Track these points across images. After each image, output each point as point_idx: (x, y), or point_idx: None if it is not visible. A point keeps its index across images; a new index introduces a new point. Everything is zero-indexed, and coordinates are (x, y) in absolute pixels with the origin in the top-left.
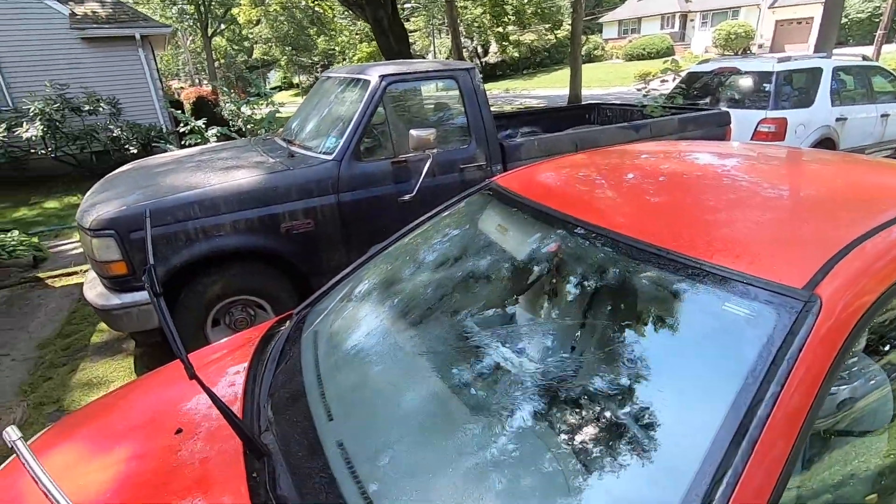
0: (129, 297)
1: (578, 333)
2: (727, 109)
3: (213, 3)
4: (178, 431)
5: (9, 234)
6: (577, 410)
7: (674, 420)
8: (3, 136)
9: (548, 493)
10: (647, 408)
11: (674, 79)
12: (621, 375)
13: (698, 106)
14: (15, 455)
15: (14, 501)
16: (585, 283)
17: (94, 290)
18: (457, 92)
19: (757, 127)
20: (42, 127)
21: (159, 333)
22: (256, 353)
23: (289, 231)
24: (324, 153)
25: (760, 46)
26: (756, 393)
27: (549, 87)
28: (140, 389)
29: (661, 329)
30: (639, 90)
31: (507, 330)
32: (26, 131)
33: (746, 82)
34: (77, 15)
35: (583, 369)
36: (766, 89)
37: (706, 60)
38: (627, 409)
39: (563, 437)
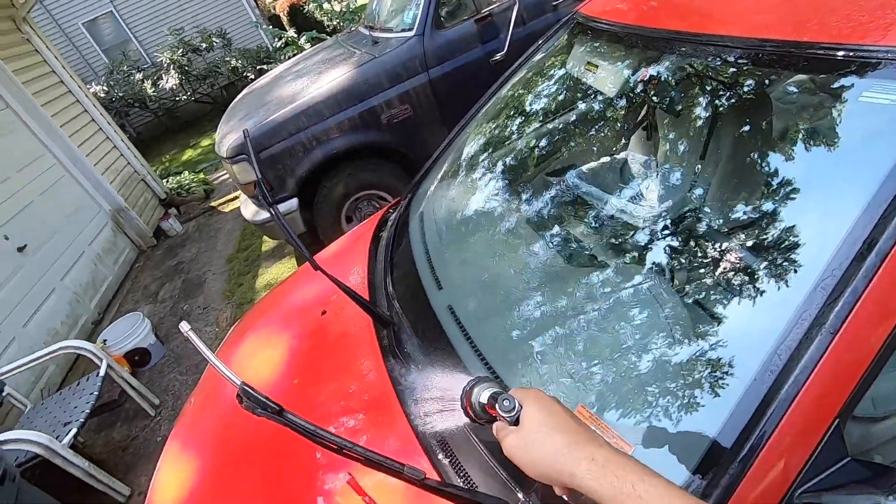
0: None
1: (698, 167)
2: None
3: None
4: (323, 313)
5: (182, 176)
6: (700, 252)
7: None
8: (153, 93)
9: (660, 337)
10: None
11: None
12: (744, 202)
13: None
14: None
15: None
16: (691, 109)
17: (249, 209)
18: None
19: None
20: (177, 75)
21: (308, 235)
22: (373, 239)
23: (389, 121)
24: (404, 31)
25: None
26: None
27: None
28: (290, 285)
29: (786, 150)
30: None
31: (614, 178)
32: (167, 82)
33: None
34: None
35: (707, 205)
36: None
37: None
38: (756, 233)
39: (687, 281)
